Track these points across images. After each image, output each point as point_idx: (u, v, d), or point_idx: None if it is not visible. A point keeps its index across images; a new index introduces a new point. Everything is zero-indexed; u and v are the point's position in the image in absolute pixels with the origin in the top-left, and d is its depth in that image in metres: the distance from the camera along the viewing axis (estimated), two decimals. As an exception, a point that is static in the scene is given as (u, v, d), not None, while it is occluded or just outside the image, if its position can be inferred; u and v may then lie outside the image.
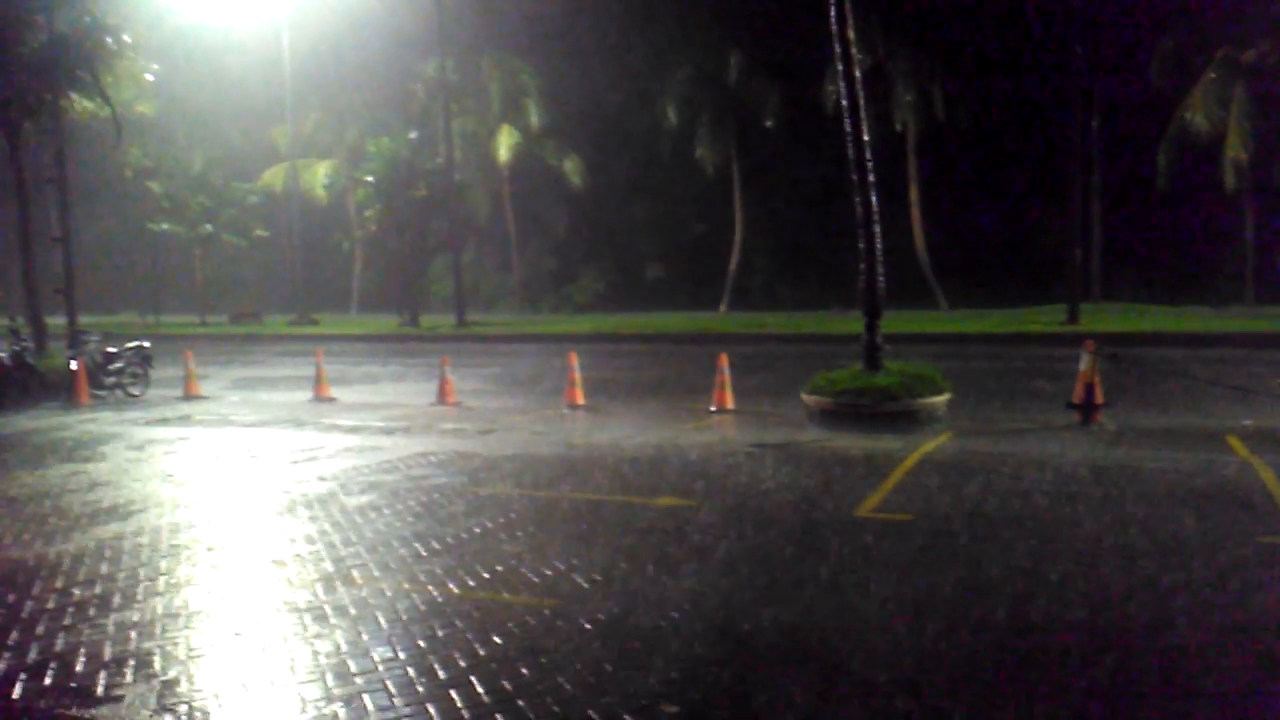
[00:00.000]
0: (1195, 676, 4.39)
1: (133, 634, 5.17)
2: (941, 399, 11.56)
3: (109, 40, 18.30)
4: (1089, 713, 4.08)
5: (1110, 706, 4.12)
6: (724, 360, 13.32)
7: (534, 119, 41.97)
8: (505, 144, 41.51)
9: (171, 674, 4.65)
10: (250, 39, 40.50)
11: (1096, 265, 36.13)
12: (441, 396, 14.56)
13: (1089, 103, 32.96)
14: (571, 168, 42.27)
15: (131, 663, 4.79)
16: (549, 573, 6.02)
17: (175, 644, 5.02)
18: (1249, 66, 32.55)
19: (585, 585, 5.77)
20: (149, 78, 19.88)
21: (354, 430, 12.06)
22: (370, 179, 34.97)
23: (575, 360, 14.13)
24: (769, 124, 39.30)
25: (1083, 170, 29.49)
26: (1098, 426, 10.92)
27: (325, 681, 4.51)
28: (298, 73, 38.87)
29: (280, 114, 40.65)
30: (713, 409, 13.00)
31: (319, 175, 44.07)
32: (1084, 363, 11.22)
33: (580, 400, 13.83)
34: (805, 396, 11.95)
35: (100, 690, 4.50)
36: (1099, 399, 11.14)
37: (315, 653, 4.85)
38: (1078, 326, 23.56)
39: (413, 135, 35.05)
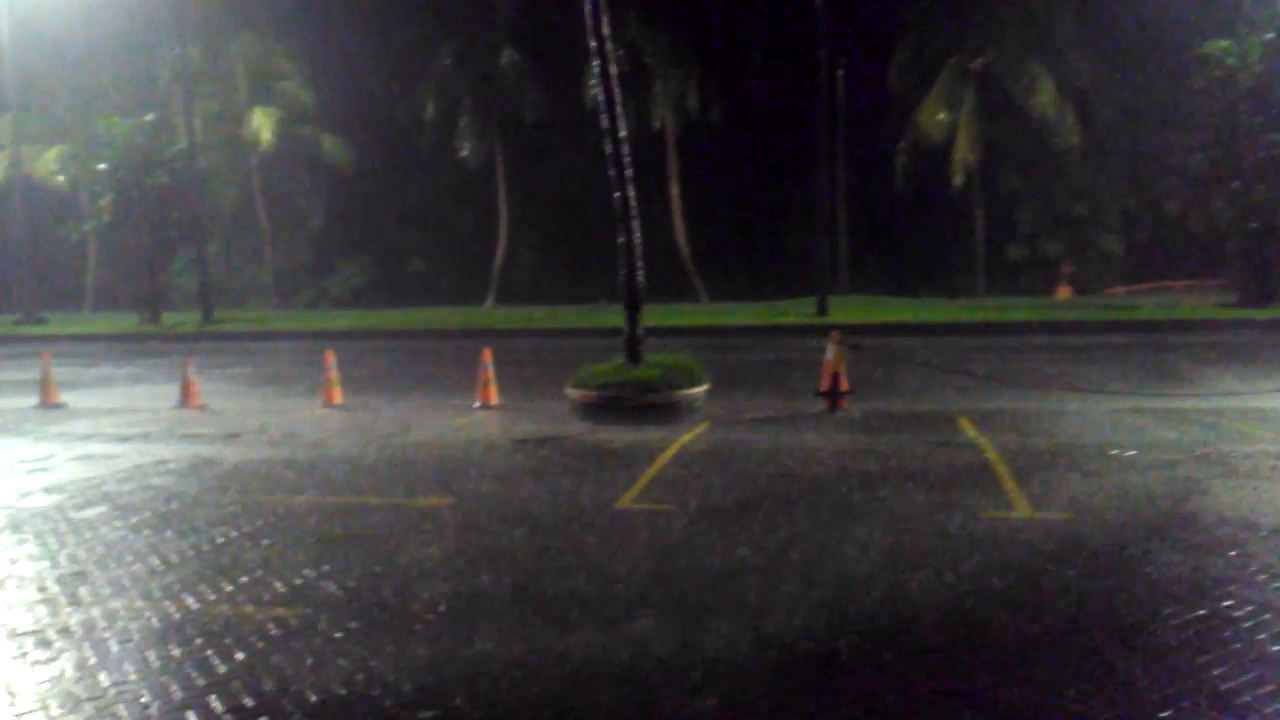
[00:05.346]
0: (926, 646, 4.66)
1: None
2: (700, 390, 11.88)
3: None
4: (825, 685, 4.26)
5: (843, 678, 4.32)
6: (488, 355, 13.22)
7: (285, 104, 40.12)
8: (254, 128, 39.32)
9: None
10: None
11: (844, 260, 38.11)
12: (184, 399, 13.73)
13: (835, 104, 34.66)
14: (329, 152, 40.60)
15: None
16: (297, 582, 5.77)
17: None
18: (977, 73, 35.21)
19: (336, 593, 5.57)
20: None
21: (85, 438, 11.18)
22: (105, 166, 32.51)
23: (332, 358, 13.66)
24: (532, 117, 39.20)
25: (829, 169, 30.99)
26: (843, 413, 11.52)
27: (49, 710, 4.16)
28: (22, 55, 35.71)
29: (2, 99, 37.26)
30: (476, 405, 12.87)
31: (48, 163, 40.42)
32: (830, 353, 11.81)
33: (337, 400, 13.39)
34: (569, 390, 12.01)
35: None
36: (844, 387, 11.76)
37: (38, 681, 4.46)
38: (826, 318, 24.75)
39: (149, 118, 32.83)
